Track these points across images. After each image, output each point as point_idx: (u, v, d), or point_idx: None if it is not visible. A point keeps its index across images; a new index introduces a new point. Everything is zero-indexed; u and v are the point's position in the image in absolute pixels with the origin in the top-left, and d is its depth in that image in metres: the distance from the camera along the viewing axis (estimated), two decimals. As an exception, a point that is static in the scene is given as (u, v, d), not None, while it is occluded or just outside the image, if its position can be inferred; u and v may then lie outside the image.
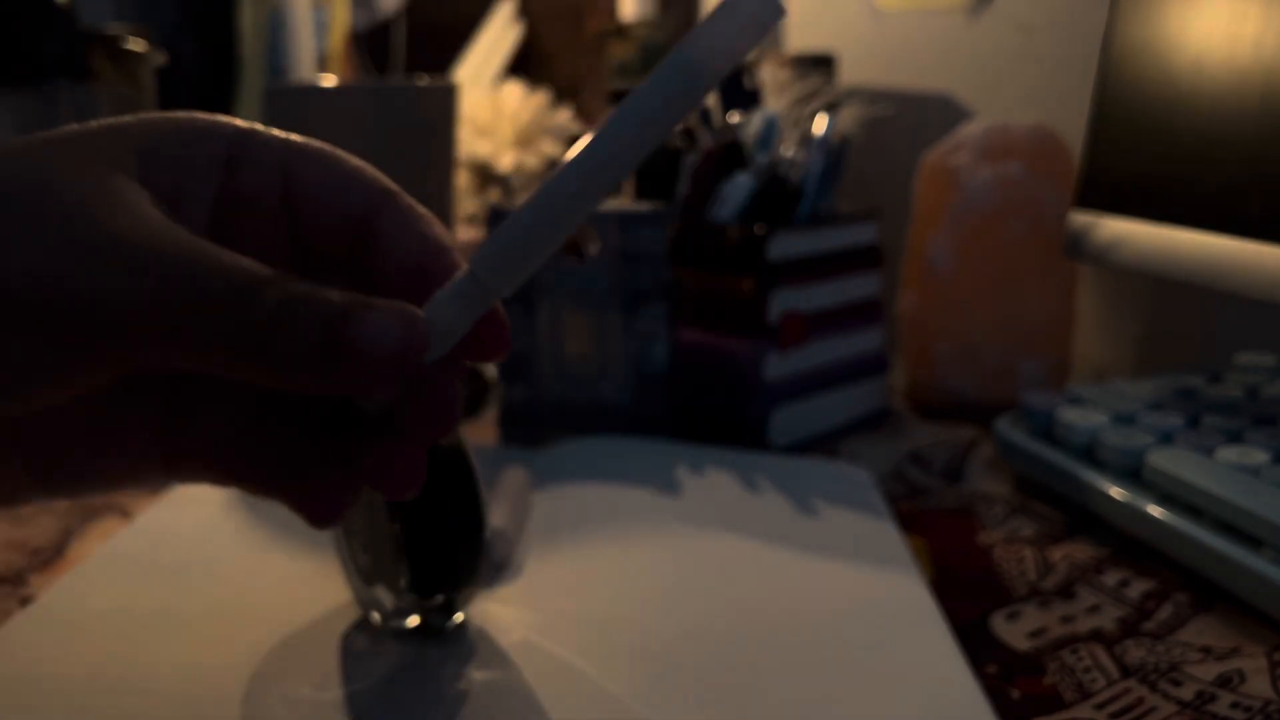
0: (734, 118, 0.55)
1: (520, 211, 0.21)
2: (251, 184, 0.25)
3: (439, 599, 0.31)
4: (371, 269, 0.25)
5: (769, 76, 0.68)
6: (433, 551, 0.30)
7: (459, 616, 0.32)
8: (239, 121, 0.25)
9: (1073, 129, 0.55)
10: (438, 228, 0.25)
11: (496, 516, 0.37)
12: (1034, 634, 0.33)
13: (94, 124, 0.23)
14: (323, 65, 1.05)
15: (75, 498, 0.25)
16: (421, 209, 0.25)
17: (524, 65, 1.14)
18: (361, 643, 0.31)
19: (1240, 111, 0.42)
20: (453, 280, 0.22)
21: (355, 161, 0.25)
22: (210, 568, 0.36)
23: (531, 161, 0.92)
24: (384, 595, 0.31)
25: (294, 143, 0.25)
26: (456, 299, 0.22)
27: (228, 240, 0.24)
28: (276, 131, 0.25)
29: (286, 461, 0.25)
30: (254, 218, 0.25)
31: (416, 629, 0.31)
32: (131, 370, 0.22)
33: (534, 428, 0.51)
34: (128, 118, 0.24)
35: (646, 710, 0.28)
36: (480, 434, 0.53)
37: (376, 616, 0.32)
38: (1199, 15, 0.44)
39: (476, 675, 0.29)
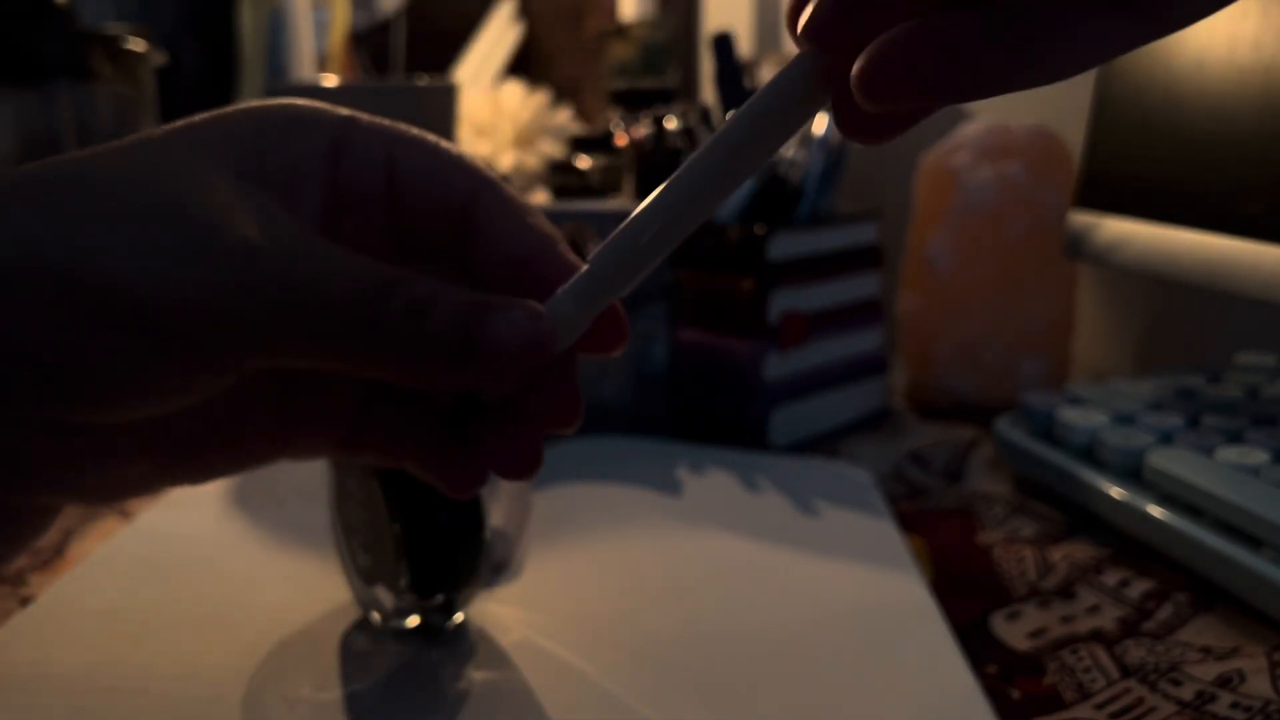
0: (734, 118, 0.55)
1: (639, 211, 0.22)
2: (356, 173, 0.25)
3: (439, 599, 0.31)
4: (474, 259, 0.25)
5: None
6: (433, 551, 0.30)
7: (459, 616, 0.32)
8: (340, 109, 0.25)
9: (1073, 129, 0.55)
10: (540, 218, 0.25)
11: (496, 516, 0.37)
12: (1034, 634, 0.33)
13: (203, 119, 0.23)
14: (323, 65, 1.05)
15: (197, 483, 0.26)
16: (521, 198, 0.25)
17: (524, 65, 1.14)
18: (361, 643, 0.31)
19: (1240, 112, 0.42)
20: (572, 279, 0.23)
21: (455, 148, 0.25)
22: (210, 568, 0.36)
23: (531, 161, 0.92)
24: (384, 595, 0.31)
25: (395, 129, 0.25)
26: (576, 296, 0.22)
27: (337, 231, 0.24)
28: (377, 119, 0.25)
29: (406, 430, 0.25)
30: (360, 207, 0.25)
31: (416, 629, 0.31)
32: (260, 371, 0.22)
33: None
34: (232, 110, 0.24)
35: (646, 710, 0.28)
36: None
37: (376, 616, 0.32)
38: (1199, 15, 0.44)
39: (476, 675, 0.29)
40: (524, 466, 0.24)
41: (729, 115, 0.21)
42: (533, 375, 0.23)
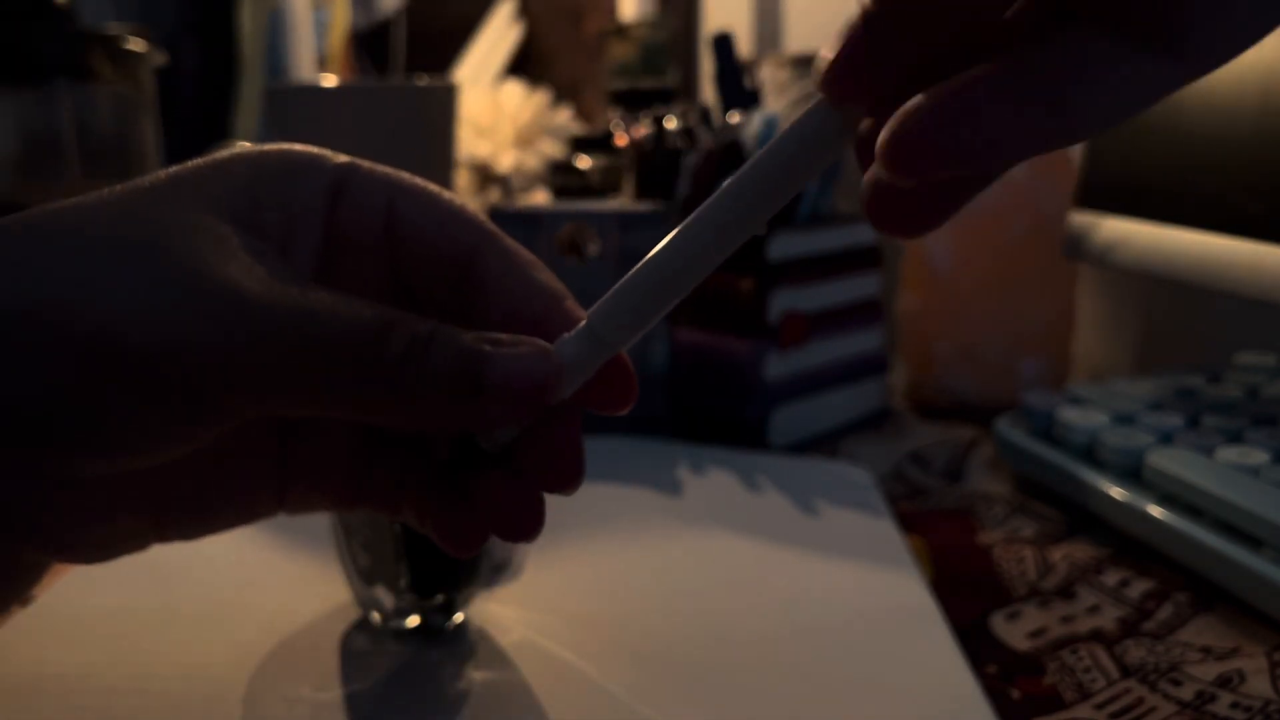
0: (734, 118, 0.55)
1: (642, 266, 0.21)
2: (354, 220, 0.24)
3: (439, 599, 0.31)
4: (476, 316, 0.24)
5: (769, 76, 0.68)
6: (433, 551, 0.30)
7: (459, 616, 0.32)
8: (339, 156, 0.24)
9: (1073, 129, 0.55)
10: (545, 273, 0.24)
11: None
12: (1034, 634, 0.33)
13: (198, 164, 0.23)
14: (323, 65, 1.05)
15: (191, 539, 0.25)
16: (525, 251, 0.25)
17: (524, 65, 1.14)
18: (361, 643, 0.31)
19: (1240, 112, 0.42)
20: (574, 330, 0.22)
21: (455, 199, 0.25)
22: (210, 568, 0.36)
23: (531, 162, 0.92)
24: (384, 595, 0.31)
25: (395, 177, 0.25)
26: (582, 341, 0.22)
27: (333, 278, 0.24)
28: (377, 166, 0.25)
29: (405, 484, 0.25)
30: (357, 255, 0.24)
31: (416, 629, 0.31)
32: (254, 419, 0.22)
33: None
34: (227, 155, 0.23)
35: (646, 710, 0.28)
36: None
37: (376, 616, 0.32)
38: (1199, 15, 0.44)
39: (476, 675, 0.29)
40: (526, 526, 0.23)
41: (744, 167, 0.20)
42: (534, 424, 0.23)
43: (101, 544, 0.24)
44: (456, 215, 0.25)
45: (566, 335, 0.22)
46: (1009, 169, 0.19)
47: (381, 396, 0.21)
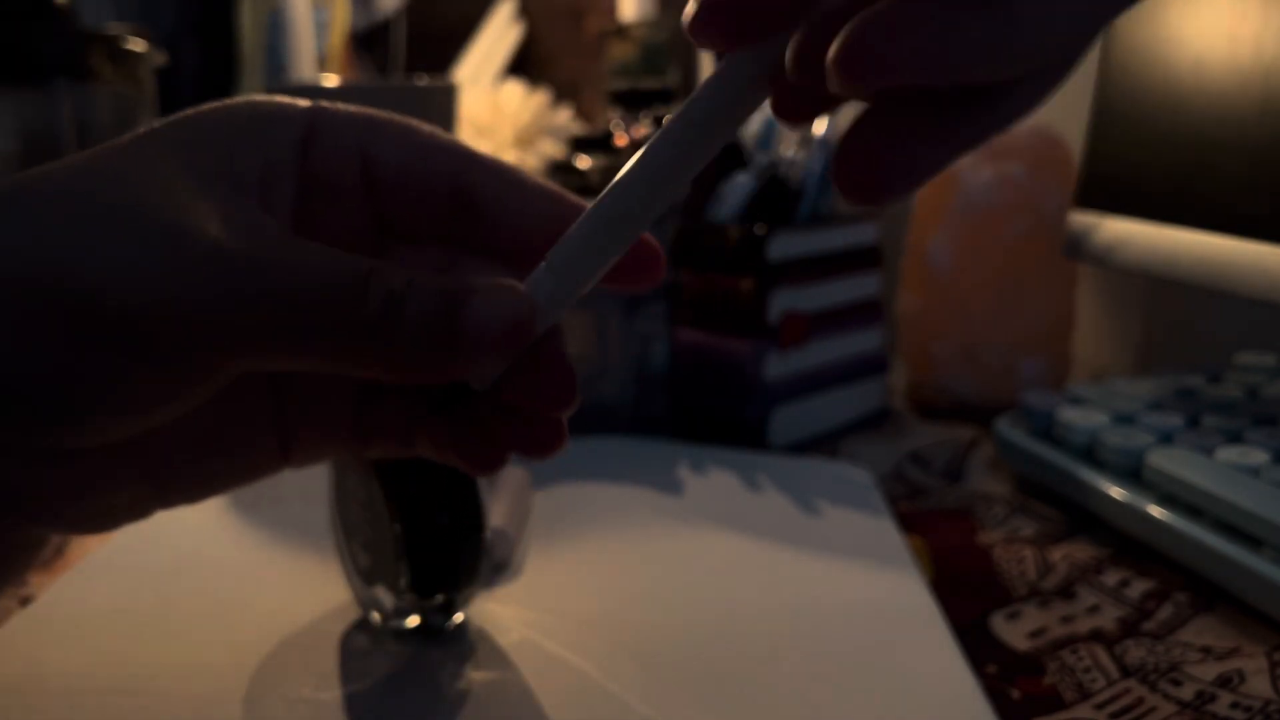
0: (734, 118, 0.55)
1: (593, 209, 0.22)
2: (328, 166, 0.24)
3: (439, 599, 0.31)
4: (486, 238, 0.24)
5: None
6: (433, 551, 0.30)
7: (459, 616, 0.32)
8: (304, 101, 0.25)
9: (1073, 129, 0.55)
10: (536, 178, 0.25)
11: (496, 516, 0.37)
12: (1034, 634, 0.33)
13: (171, 122, 0.23)
14: (323, 65, 1.05)
15: (194, 502, 0.25)
16: (509, 164, 0.25)
17: (524, 65, 1.14)
18: (361, 643, 0.31)
19: (1240, 112, 0.42)
20: (548, 255, 0.22)
21: (431, 129, 0.25)
22: (210, 568, 0.36)
23: (531, 161, 0.92)
24: (384, 595, 0.31)
25: (366, 116, 0.25)
26: (555, 273, 0.22)
27: (312, 225, 0.24)
28: (348, 107, 0.25)
29: (413, 419, 0.25)
30: (335, 200, 0.24)
31: (416, 629, 0.31)
32: (240, 375, 0.22)
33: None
34: (197, 112, 0.23)
35: (646, 709, 0.28)
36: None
37: (376, 616, 0.32)
38: (1199, 16, 0.44)
39: (476, 675, 0.29)
40: (548, 442, 0.24)
41: (675, 114, 0.21)
42: (516, 357, 0.23)
43: (102, 515, 0.24)
44: (435, 144, 0.25)
45: (533, 274, 0.22)
46: (972, 95, 0.19)
47: (361, 350, 0.21)
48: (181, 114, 0.23)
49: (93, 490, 0.23)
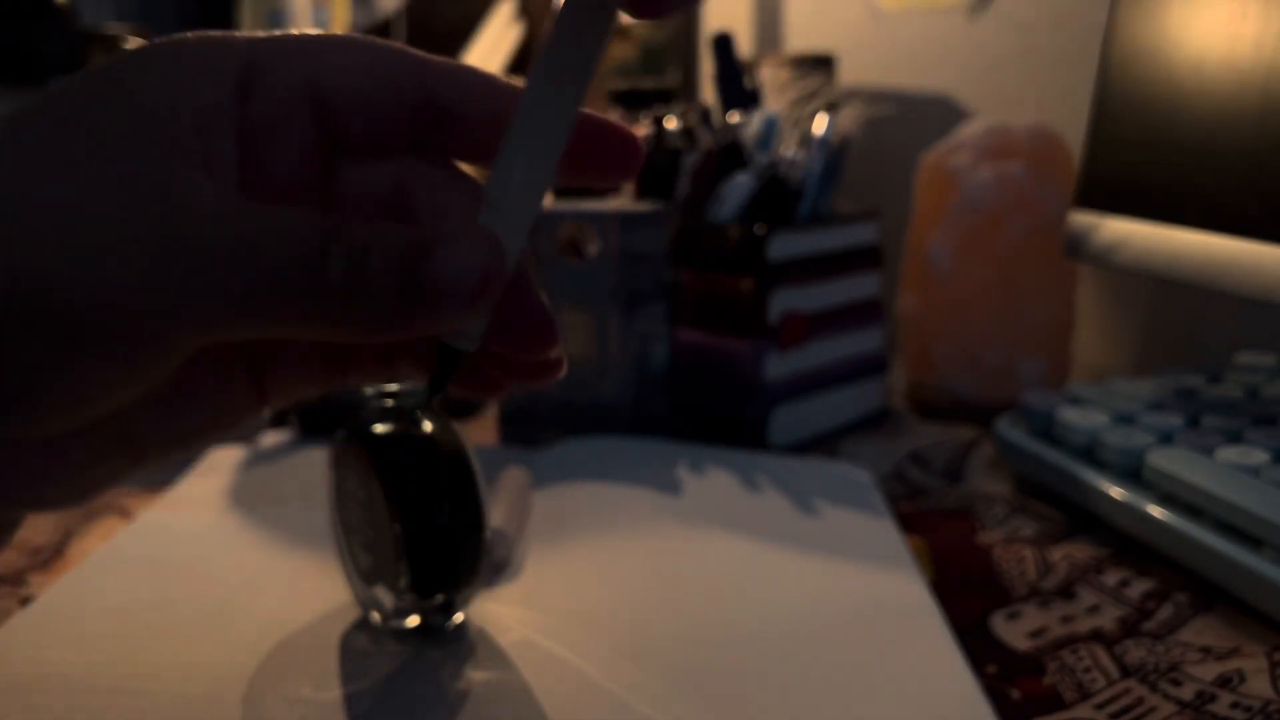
0: (734, 118, 0.55)
1: (505, 145, 0.22)
2: (271, 108, 0.23)
3: (439, 599, 0.31)
4: (452, 144, 0.24)
5: (769, 76, 0.68)
6: (433, 551, 0.30)
7: (459, 616, 0.32)
8: (240, 36, 0.23)
9: (1073, 129, 0.55)
10: (496, 76, 0.24)
11: (496, 516, 0.37)
12: (1034, 634, 0.33)
13: (92, 91, 0.21)
14: (323, 65, 1.05)
15: (179, 458, 0.25)
16: (472, 67, 0.24)
17: (524, 65, 1.14)
18: (361, 643, 0.31)
19: (1240, 111, 0.42)
20: (481, 215, 0.22)
21: (382, 43, 0.24)
22: (210, 568, 0.36)
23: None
24: (384, 595, 0.31)
25: (309, 44, 0.23)
26: (500, 209, 0.22)
27: (257, 168, 0.23)
28: (290, 35, 0.23)
29: (384, 346, 0.25)
30: (281, 137, 0.23)
31: (416, 629, 0.31)
32: (204, 348, 0.21)
33: (534, 428, 0.51)
34: (122, 71, 0.21)
35: (646, 709, 0.28)
36: (480, 434, 0.53)
37: (376, 616, 0.32)
38: (1199, 15, 0.44)
39: (476, 675, 0.29)
40: (545, 373, 0.24)
41: (546, 48, 0.22)
42: (493, 308, 0.22)
43: (79, 491, 0.23)
44: (389, 59, 0.23)
45: (485, 207, 0.22)
46: None
47: (327, 316, 0.20)
48: (104, 74, 0.21)
49: (64, 470, 0.22)
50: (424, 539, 0.30)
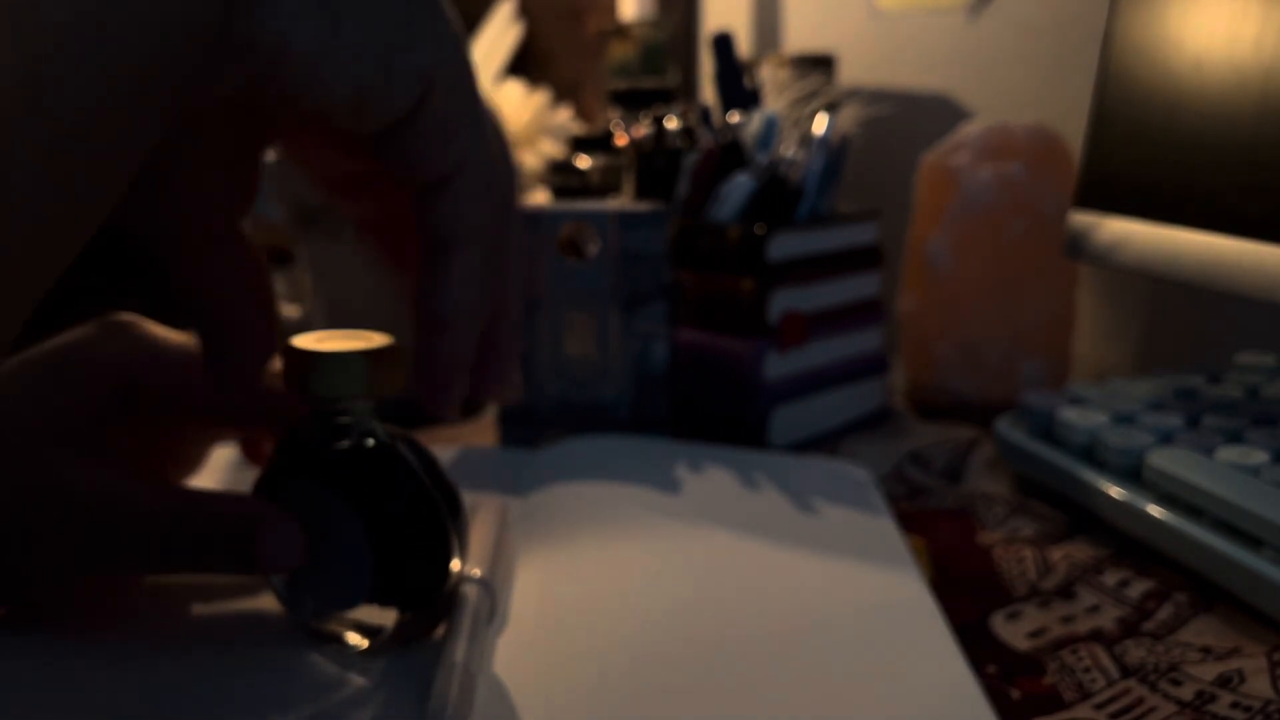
0: (734, 118, 0.55)
1: None
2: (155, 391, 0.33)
3: (408, 614, 0.30)
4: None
5: (769, 76, 0.68)
6: (402, 565, 0.30)
7: (439, 629, 0.31)
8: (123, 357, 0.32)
9: (1073, 129, 0.55)
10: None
11: (476, 564, 0.35)
12: (1034, 634, 0.33)
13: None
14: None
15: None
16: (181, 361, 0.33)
17: (524, 65, 1.14)
18: (347, 651, 0.31)
19: (1240, 112, 0.42)
20: None
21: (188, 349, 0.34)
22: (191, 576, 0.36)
23: (531, 161, 0.92)
24: (366, 610, 0.30)
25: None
26: None
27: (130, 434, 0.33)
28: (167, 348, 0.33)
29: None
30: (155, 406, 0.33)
31: (391, 639, 0.30)
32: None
33: (534, 428, 0.51)
34: (20, 366, 0.31)
35: (647, 710, 0.28)
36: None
37: (355, 638, 0.31)
38: (1199, 15, 0.44)
39: (475, 675, 0.29)
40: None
41: None
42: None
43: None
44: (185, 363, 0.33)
45: None
46: None
47: (180, 569, 0.30)
48: (14, 366, 0.31)
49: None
50: (402, 551, 0.29)
